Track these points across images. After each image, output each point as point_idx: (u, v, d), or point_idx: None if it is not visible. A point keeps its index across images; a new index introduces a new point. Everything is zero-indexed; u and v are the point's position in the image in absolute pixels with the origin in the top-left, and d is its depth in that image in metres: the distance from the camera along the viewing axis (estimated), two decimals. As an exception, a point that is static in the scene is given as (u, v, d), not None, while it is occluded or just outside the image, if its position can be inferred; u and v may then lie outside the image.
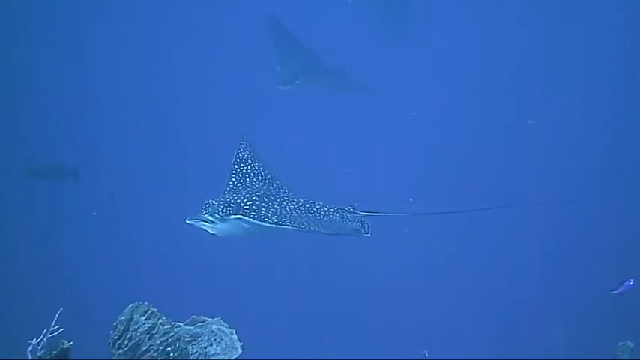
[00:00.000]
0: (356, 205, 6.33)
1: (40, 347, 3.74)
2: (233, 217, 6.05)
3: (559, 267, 10.85)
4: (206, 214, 6.10)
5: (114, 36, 15.68)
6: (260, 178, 6.69)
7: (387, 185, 11.75)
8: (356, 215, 6.27)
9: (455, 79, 14.89)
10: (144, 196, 11.04)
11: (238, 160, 6.73)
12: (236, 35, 15.56)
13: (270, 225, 6.03)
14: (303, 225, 6.04)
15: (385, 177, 12.38)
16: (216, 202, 6.17)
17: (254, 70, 13.37)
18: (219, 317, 3.92)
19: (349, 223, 6.23)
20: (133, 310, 3.89)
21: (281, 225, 6.01)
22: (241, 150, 6.78)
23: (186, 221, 6.16)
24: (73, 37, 16.16)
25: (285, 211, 6.20)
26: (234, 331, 3.87)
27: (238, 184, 6.55)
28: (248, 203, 6.13)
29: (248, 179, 6.62)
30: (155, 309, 3.90)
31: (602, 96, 14.54)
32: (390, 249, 9.55)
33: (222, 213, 6.06)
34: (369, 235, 6.18)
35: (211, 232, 6.20)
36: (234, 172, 6.66)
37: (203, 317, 3.96)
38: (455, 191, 11.81)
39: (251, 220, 6.04)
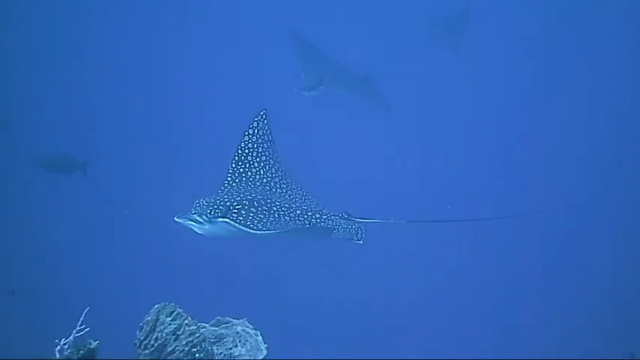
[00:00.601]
0: (351, 211, 6.47)
1: (67, 347, 3.77)
2: (220, 219, 6.12)
3: (559, 274, 11.10)
4: (194, 213, 6.15)
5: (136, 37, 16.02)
6: (259, 176, 6.66)
7: (392, 191, 11.90)
8: (350, 222, 6.43)
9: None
10: (161, 194, 10.82)
11: (241, 149, 6.68)
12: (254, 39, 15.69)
13: (254, 232, 6.12)
14: (288, 233, 6.17)
15: (391, 182, 12.55)
16: (206, 202, 6.20)
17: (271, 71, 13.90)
18: (244, 319, 4.03)
19: (341, 230, 6.37)
20: (158, 311, 3.96)
21: (264, 232, 6.10)
22: (249, 134, 6.69)
23: (175, 218, 6.21)
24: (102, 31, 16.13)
25: (274, 217, 6.27)
26: (258, 333, 3.99)
27: (233, 184, 6.57)
28: (237, 207, 6.19)
29: (244, 178, 6.61)
30: (181, 310, 3.99)
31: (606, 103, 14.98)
32: (389, 255, 9.73)
33: (210, 215, 6.12)
34: (361, 242, 6.32)
35: (198, 231, 6.26)
36: (232, 167, 6.65)
37: (228, 318, 4.07)
38: (459, 196, 12.07)
39: (237, 225, 6.12)
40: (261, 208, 6.30)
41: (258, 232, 6.15)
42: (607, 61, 15.93)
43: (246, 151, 6.70)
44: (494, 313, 10.04)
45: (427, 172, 13.08)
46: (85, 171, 9.83)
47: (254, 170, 6.68)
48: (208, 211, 6.14)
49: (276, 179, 6.73)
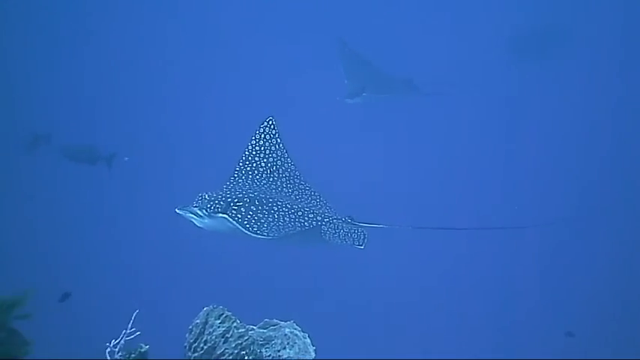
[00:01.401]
0: (353, 215, 6.57)
1: (117, 350, 3.69)
2: (220, 215, 6.18)
3: (560, 275, 11.11)
4: (195, 206, 6.22)
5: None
6: (266, 174, 6.69)
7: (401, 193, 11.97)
8: (353, 226, 6.54)
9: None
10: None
11: (249, 150, 6.73)
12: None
13: (248, 233, 6.17)
14: (283, 236, 6.21)
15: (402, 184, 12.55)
16: (208, 196, 6.25)
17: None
18: (291, 321, 4.08)
19: (342, 234, 6.47)
20: (207, 314, 3.95)
21: (259, 235, 6.16)
22: (257, 137, 6.75)
23: (176, 210, 6.27)
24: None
25: (273, 217, 6.32)
26: (306, 335, 4.04)
27: (239, 180, 6.61)
28: (238, 204, 6.23)
29: (251, 175, 6.65)
30: (229, 313, 3.99)
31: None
32: (391, 260, 9.84)
33: (210, 209, 6.18)
34: (362, 247, 6.41)
35: (198, 225, 6.33)
36: (239, 167, 6.69)
37: (276, 320, 4.10)
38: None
39: (234, 222, 6.17)
40: (262, 207, 6.33)
41: (252, 234, 6.20)
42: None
43: (254, 152, 6.76)
44: (495, 313, 10.18)
45: (438, 175, 13.11)
46: (110, 164, 9.86)
47: (261, 169, 6.73)
48: (209, 205, 6.20)
49: (283, 179, 6.77)
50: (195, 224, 6.35)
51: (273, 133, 6.79)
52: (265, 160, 6.75)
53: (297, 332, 4.08)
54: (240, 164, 6.73)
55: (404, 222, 6.67)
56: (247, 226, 6.20)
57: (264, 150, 6.76)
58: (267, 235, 6.19)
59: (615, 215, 11.61)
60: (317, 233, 6.33)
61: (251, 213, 6.24)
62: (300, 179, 6.87)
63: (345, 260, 8.62)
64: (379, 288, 9.95)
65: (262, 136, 6.76)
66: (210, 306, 3.97)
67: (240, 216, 6.20)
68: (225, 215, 6.19)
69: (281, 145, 6.85)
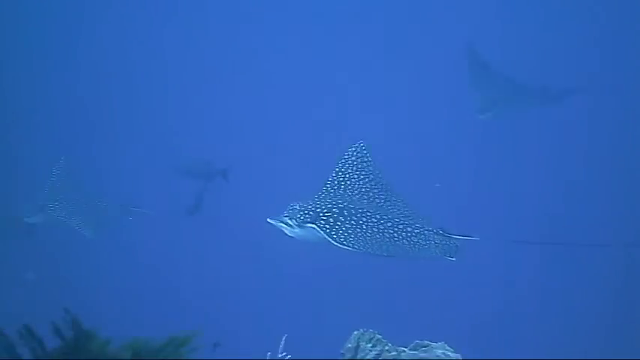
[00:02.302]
0: (445, 227, 6.47)
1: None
2: (309, 225, 6.20)
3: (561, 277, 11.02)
4: (286, 216, 6.27)
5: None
6: (357, 185, 6.70)
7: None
8: (444, 237, 6.44)
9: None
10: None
11: (340, 165, 6.77)
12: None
13: (335, 243, 6.13)
14: (371, 247, 6.17)
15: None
16: (299, 206, 6.29)
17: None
18: (442, 342, 3.97)
19: (433, 246, 6.38)
20: (358, 338, 3.87)
21: (345, 246, 6.12)
22: (347, 155, 6.80)
23: (268, 219, 6.32)
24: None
25: (361, 228, 6.27)
26: (459, 356, 3.94)
27: (331, 190, 6.62)
28: (327, 214, 6.23)
29: (342, 187, 6.67)
30: (380, 335, 3.89)
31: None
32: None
33: (300, 219, 6.22)
34: (453, 259, 6.31)
35: (289, 234, 6.35)
36: (331, 178, 6.72)
37: (427, 342, 3.99)
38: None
39: (322, 232, 6.16)
40: (350, 217, 6.28)
41: (339, 244, 6.14)
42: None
43: (346, 166, 6.80)
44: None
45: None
46: (226, 177, 9.85)
47: (353, 181, 6.73)
48: (299, 215, 6.24)
49: (375, 190, 6.74)
50: (285, 233, 6.34)
51: (364, 153, 6.85)
52: (357, 172, 6.79)
53: (450, 353, 3.97)
54: (333, 175, 6.74)
55: (495, 234, 6.57)
56: (334, 236, 6.17)
57: (356, 164, 6.81)
58: (353, 247, 6.15)
59: None
60: (406, 244, 6.26)
61: (339, 224, 6.21)
62: (392, 191, 6.84)
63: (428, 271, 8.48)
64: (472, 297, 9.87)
65: (352, 155, 6.84)
66: (361, 330, 3.89)
67: (328, 226, 6.18)
68: (313, 225, 6.18)
69: (371, 162, 6.90)
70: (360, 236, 6.22)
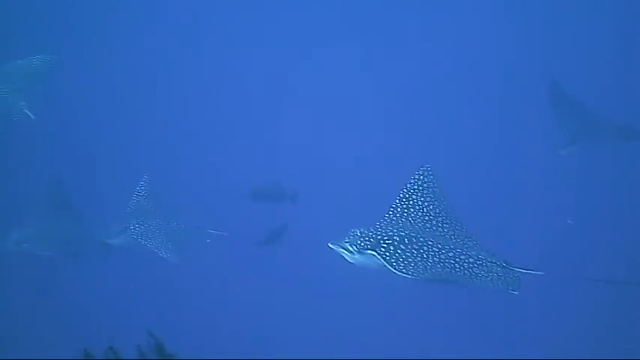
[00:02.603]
0: (509, 260, 6.39)
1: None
2: (369, 251, 6.28)
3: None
4: (347, 242, 6.37)
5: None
6: (421, 213, 6.74)
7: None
8: (507, 270, 6.35)
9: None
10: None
11: (405, 190, 6.82)
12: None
13: (394, 271, 6.19)
14: (430, 275, 6.18)
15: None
16: (360, 232, 6.39)
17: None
18: None
19: (495, 279, 6.29)
20: None
21: (404, 274, 6.15)
22: (413, 180, 6.85)
23: (329, 244, 6.45)
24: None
25: (422, 257, 6.29)
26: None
27: (394, 217, 6.68)
28: (387, 242, 6.30)
29: (405, 214, 6.72)
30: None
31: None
32: None
33: (360, 245, 6.30)
34: (515, 292, 6.22)
35: (349, 260, 6.43)
36: (394, 204, 6.78)
37: None
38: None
39: (382, 260, 6.23)
40: (411, 246, 6.34)
41: (398, 272, 6.19)
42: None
43: (410, 192, 6.84)
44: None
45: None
46: (295, 200, 10.28)
47: (417, 208, 6.77)
48: (359, 242, 6.32)
49: (439, 218, 6.76)
50: (346, 259, 6.44)
51: (430, 178, 6.87)
52: (422, 199, 6.81)
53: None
54: (397, 201, 6.80)
55: (563, 269, 6.40)
56: (394, 264, 6.24)
57: (421, 190, 6.83)
58: (412, 275, 6.19)
59: None
60: (467, 275, 6.22)
61: (399, 251, 6.28)
62: (456, 218, 6.85)
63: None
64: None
65: (418, 179, 6.87)
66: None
67: (388, 254, 6.26)
68: (374, 252, 6.26)
69: (437, 188, 6.91)
70: (420, 265, 6.25)
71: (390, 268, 6.20)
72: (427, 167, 6.93)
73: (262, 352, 9.08)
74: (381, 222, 6.64)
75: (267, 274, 11.00)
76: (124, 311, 10.29)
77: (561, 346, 9.38)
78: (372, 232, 6.40)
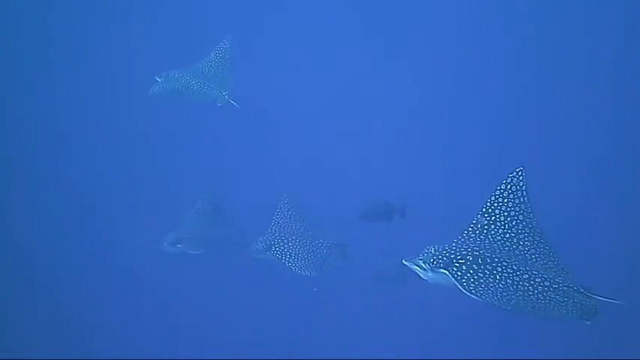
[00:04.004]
0: (588, 285, 5.92)
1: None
2: (442, 270, 6.26)
3: None
4: (421, 259, 6.40)
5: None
6: (502, 230, 6.52)
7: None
8: (585, 297, 5.89)
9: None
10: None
11: (490, 201, 6.62)
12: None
13: (465, 292, 6.07)
14: (500, 300, 5.94)
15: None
16: (434, 249, 6.38)
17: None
18: None
19: (571, 305, 5.86)
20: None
21: (474, 296, 6.01)
22: (500, 190, 6.63)
23: (403, 261, 6.53)
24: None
25: (494, 278, 6.09)
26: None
27: (472, 235, 6.55)
28: (460, 261, 6.23)
29: (485, 231, 6.55)
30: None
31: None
32: None
33: (433, 264, 6.30)
34: (589, 322, 5.77)
35: (422, 277, 6.47)
36: (475, 219, 6.64)
37: None
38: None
39: (453, 279, 6.16)
40: (485, 266, 6.19)
41: (468, 293, 6.08)
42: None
43: (495, 205, 6.60)
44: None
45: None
46: (404, 215, 9.99)
47: (498, 224, 6.55)
48: (432, 260, 6.32)
49: (521, 235, 6.49)
50: (419, 276, 6.49)
51: (521, 184, 6.55)
52: (506, 213, 6.55)
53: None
54: (478, 216, 6.63)
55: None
56: (465, 284, 6.15)
57: (507, 203, 6.56)
58: (482, 297, 6.04)
59: None
60: (541, 299, 5.88)
61: (471, 271, 6.17)
62: (540, 237, 6.48)
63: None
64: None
65: (508, 187, 6.59)
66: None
67: (460, 274, 6.19)
68: (445, 271, 6.25)
69: (526, 198, 6.58)
70: (492, 287, 6.08)
71: (461, 288, 6.13)
72: (520, 170, 6.56)
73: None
74: (459, 238, 6.55)
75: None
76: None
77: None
78: (446, 249, 6.36)
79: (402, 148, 14.51)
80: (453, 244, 6.47)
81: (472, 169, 12.68)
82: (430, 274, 6.37)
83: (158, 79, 10.69)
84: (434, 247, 6.44)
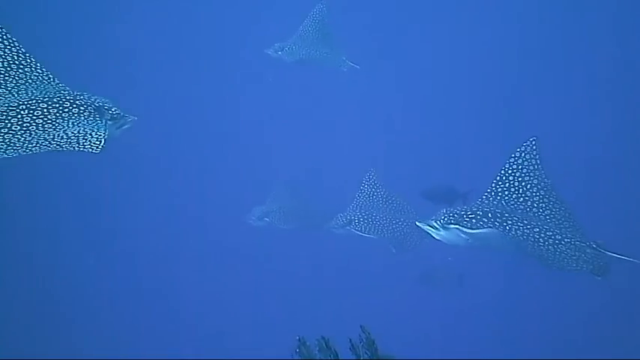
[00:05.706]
0: (601, 242, 5.79)
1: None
2: (452, 226, 6.28)
3: None
4: (433, 219, 6.47)
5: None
6: (515, 195, 6.49)
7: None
8: (597, 253, 5.76)
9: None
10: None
11: (505, 169, 6.60)
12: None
13: (472, 231, 6.10)
14: (511, 247, 5.93)
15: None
16: (446, 211, 6.42)
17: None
18: None
19: (582, 260, 5.77)
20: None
21: (479, 231, 6.04)
22: (514, 157, 6.59)
23: (416, 223, 6.68)
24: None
25: (504, 229, 6.11)
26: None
27: (486, 201, 6.56)
28: (470, 215, 6.27)
29: (499, 196, 6.53)
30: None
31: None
32: None
33: (444, 221, 6.34)
34: (599, 278, 5.70)
35: (435, 237, 6.52)
36: (490, 187, 6.63)
37: None
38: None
39: (464, 229, 6.18)
40: (495, 219, 6.20)
41: (475, 230, 6.13)
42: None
43: (510, 170, 6.59)
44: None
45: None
46: (467, 200, 9.39)
47: (512, 190, 6.53)
48: (443, 217, 6.37)
49: (535, 198, 6.44)
50: (433, 237, 6.52)
51: (534, 153, 6.52)
52: (520, 179, 6.51)
53: None
54: (493, 184, 6.60)
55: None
56: (474, 228, 6.19)
57: (521, 170, 6.52)
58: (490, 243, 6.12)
59: None
60: (551, 251, 5.87)
61: (481, 223, 6.18)
62: (555, 199, 6.39)
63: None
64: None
65: (522, 154, 6.56)
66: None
67: (469, 225, 6.21)
68: (457, 226, 6.26)
69: (539, 166, 6.54)
70: (501, 236, 6.11)
71: (472, 231, 6.15)
72: (533, 139, 6.54)
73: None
74: (473, 204, 6.58)
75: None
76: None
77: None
78: (458, 210, 6.42)
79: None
80: (474, 206, 6.50)
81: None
82: (442, 232, 6.40)
83: (272, 54, 10.59)
84: (448, 210, 6.49)
